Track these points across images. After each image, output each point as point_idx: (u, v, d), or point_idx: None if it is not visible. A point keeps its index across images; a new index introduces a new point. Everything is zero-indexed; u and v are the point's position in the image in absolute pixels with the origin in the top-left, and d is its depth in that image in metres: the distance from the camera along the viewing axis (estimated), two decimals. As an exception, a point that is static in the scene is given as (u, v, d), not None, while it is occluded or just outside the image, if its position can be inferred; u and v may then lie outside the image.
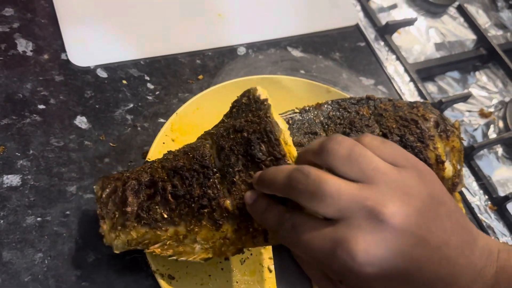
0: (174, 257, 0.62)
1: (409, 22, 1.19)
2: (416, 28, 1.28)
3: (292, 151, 0.64)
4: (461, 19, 1.34)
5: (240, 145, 0.62)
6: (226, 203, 0.60)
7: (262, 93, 0.72)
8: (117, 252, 0.63)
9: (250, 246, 0.63)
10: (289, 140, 0.66)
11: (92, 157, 0.80)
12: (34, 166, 0.77)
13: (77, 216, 0.74)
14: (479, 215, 0.94)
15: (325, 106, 0.86)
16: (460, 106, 1.15)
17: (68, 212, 0.74)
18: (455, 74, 1.22)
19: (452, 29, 1.33)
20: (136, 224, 0.61)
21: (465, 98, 1.08)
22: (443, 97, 1.05)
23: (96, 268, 0.70)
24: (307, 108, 0.84)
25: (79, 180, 0.77)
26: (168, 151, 0.72)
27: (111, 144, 0.82)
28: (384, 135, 0.77)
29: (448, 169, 0.80)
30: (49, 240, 0.71)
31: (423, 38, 1.27)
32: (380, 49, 1.13)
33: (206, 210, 0.60)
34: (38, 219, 0.72)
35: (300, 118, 0.78)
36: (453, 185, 0.81)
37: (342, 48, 1.10)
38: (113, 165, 0.80)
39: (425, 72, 1.15)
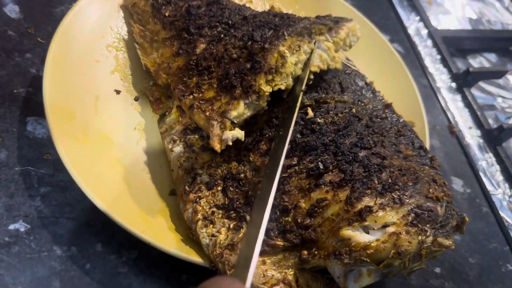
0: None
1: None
2: (450, 1, 1.09)
3: None
4: (506, 2, 1.14)
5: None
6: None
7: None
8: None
9: None
10: None
11: (11, 49, 0.63)
12: None
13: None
14: (500, 211, 0.72)
15: None
16: (492, 88, 0.94)
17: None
18: (492, 56, 1.01)
19: (493, 11, 1.13)
20: None
21: (499, 74, 0.87)
22: (471, 68, 0.85)
23: None
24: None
25: (-15, 70, 0.61)
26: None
27: (39, 39, 0.66)
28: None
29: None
30: None
31: (456, 12, 1.07)
32: (402, 7, 0.94)
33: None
34: None
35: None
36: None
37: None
38: (34, 62, 0.64)
39: (454, 43, 0.95)
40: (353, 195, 0.49)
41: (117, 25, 0.66)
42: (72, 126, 0.54)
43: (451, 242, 0.47)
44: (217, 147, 0.51)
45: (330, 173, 0.52)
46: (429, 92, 0.84)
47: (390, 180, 0.51)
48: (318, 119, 0.58)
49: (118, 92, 0.61)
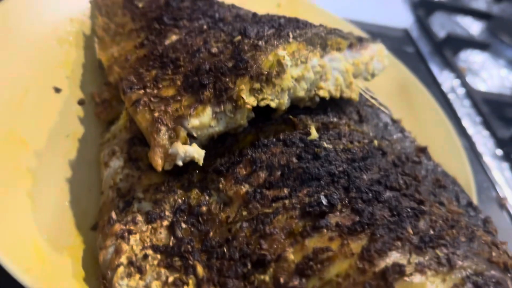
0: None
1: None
2: (488, 73, 0.95)
3: None
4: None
5: None
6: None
7: None
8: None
9: None
10: None
11: None
12: None
13: None
14: None
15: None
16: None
17: None
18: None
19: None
20: None
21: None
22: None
23: None
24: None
25: None
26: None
27: None
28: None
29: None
30: None
31: (495, 81, 0.93)
32: (434, 63, 0.81)
33: None
34: None
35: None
36: None
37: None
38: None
39: (496, 108, 0.79)
40: (374, 247, 0.30)
41: (81, 20, 0.52)
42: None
43: None
44: (157, 162, 0.34)
45: (337, 213, 0.33)
46: (470, 155, 0.66)
47: (431, 232, 0.32)
48: (324, 143, 0.40)
49: (58, 90, 0.45)
